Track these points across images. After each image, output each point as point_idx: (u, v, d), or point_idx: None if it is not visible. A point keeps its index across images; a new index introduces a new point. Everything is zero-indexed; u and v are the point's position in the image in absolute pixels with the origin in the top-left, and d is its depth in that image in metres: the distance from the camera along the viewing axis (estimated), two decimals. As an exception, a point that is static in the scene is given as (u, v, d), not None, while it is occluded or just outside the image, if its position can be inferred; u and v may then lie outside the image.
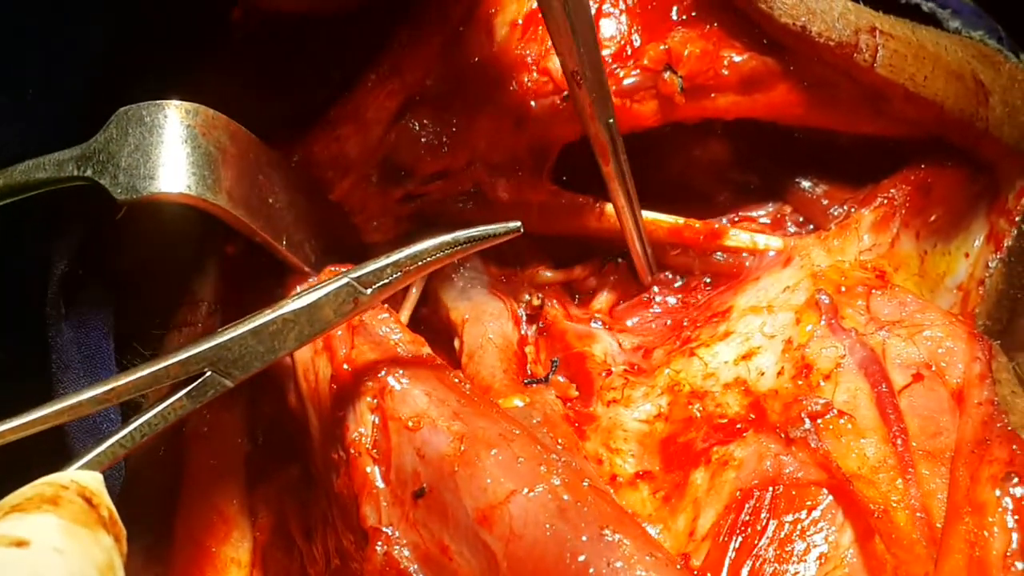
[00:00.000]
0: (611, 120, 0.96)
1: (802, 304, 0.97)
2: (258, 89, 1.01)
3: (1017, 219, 1.10)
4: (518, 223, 0.87)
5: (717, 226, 1.08)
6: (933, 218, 1.07)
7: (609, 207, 1.06)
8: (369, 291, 0.87)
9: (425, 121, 1.03)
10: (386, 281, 0.87)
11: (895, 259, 1.04)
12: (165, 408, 0.85)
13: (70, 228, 0.93)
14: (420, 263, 0.86)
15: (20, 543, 0.66)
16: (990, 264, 1.09)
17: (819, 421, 0.88)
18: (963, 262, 1.09)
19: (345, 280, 0.86)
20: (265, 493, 1.03)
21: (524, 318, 1.05)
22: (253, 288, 1.01)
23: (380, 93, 1.02)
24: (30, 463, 0.79)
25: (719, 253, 1.08)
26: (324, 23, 1.03)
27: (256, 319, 0.85)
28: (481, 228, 0.87)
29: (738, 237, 1.08)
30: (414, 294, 1.05)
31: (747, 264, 1.07)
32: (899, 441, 0.87)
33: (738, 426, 0.91)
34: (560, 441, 0.90)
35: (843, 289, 0.96)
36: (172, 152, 0.89)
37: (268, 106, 1.00)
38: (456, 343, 1.02)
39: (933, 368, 0.91)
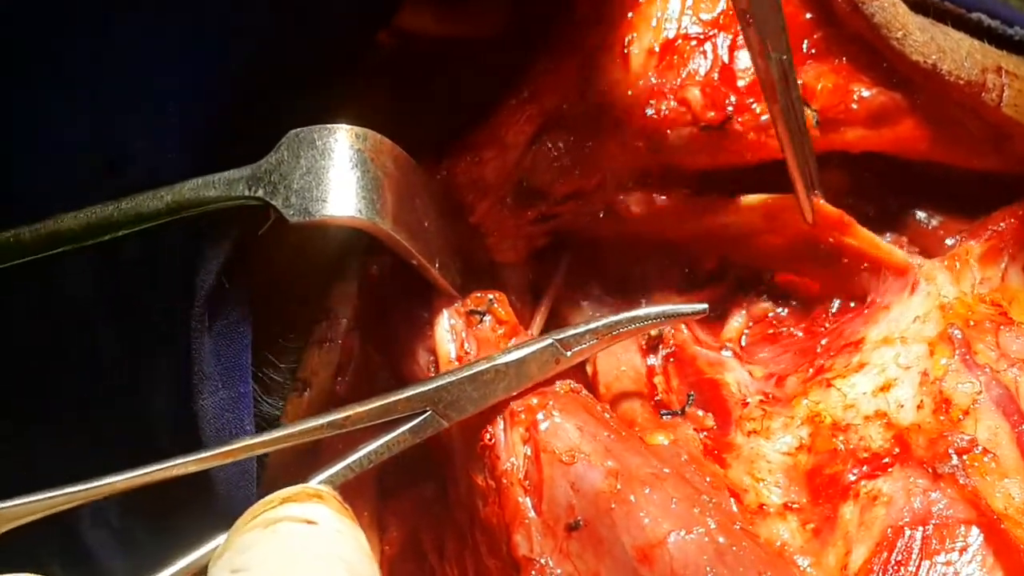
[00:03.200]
0: (784, 56, 0.95)
1: (934, 337, 0.98)
2: (398, 111, 1.01)
3: None
4: (705, 305, 0.97)
5: (846, 219, 1.07)
6: (1040, 252, 1.07)
7: (744, 198, 1.08)
8: (569, 353, 0.94)
9: (560, 144, 1.04)
10: (584, 346, 0.94)
11: (1007, 293, 1.05)
12: (391, 439, 0.91)
13: (218, 242, 0.91)
14: (614, 332, 0.95)
15: (310, 522, 0.73)
16: (1096, 300, 1.10)
17: (965, 457, 0.89)
18: (1070, 293, 1.10)
19: (550, 341, 0.93)
20: (397, 508, 1.04)
21: (650, 347, 1.05)
22: (393, 308, 1.00)
23: (520, 117, 1.03)
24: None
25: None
26: (465, 46, 1.03)
27: (473, 367, 0.92)
28: (672, 307, 0.99)
29: (866, 236, 1.08)
30: (541, 315, 1.05)
31: (872, 283, 1.06)
32: (1043, 484, 0.88)
33: (884, 460, 0.92)
34: (708, 479, 0.91)
35: (972, 323, 0.98)
36: (343, 176, 0.90)
37: (408, 128, 1.00)
38: (588, 369, 1.03)
39: (1067, 408, 0.91)
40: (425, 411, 0.92)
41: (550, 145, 1.04)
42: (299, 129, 0.90)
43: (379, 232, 0.91)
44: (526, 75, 1.03)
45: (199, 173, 0.92)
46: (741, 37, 1.01)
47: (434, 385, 0.92)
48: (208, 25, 0.91)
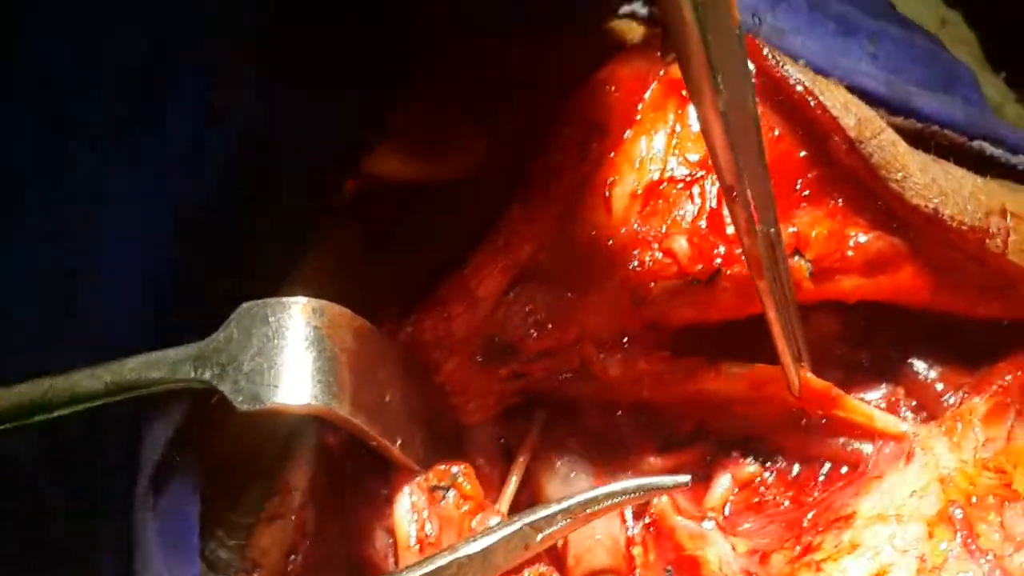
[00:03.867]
0: (772, 229, 0.88)
1: (933, 515, 0.92)
2: (363, 263, 0.93)
3: None
4: (687, 477, 0.89)
5: (834, 392, 1.00)
6: (1048, 405, 1.00)
7: (727, 366, 1.01)
8: (539, 537, 0.86)
9: (535, 297, 0.98)
10: (556, 528, 0.87)
11: (1013, 455, 0.98)
12: None
13: (165, 416, 0.84)
14: (589, 511, 0.87)
15: None
16: (1109, 458, 1.03)
17: (967, 663, 0.82)
18: (1077, 448, 1.03)
19: (519, 525, 0.86)
20: None
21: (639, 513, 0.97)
22: (351, 483, 0.94)
23: (492, 269, 0.96)
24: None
25: (841, 438, 0.99)
26: (436, 190, 0.95)
27: (433, 562, 0.85)
28: (650, 480, 0.90)
29: (858, 408, 1.01)
30: (514, 481, 0.98)
31: (863, 452, 0.99)
32: None
33: (879, 660, 0.84)
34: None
35: (974, 500, 0.91)
36: (297, 358, 0.84)
37: (373, 281, 0.93)
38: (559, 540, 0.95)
39: (1078, 597, 0.84)
40: None
41: (524, 298, 0.97)
42: (251, 303, 0.83)
43: (337, 418, 0.84)
44: (500, 222, 0.94)
45: (151, 339, 0.85)
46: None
47: (392, 587, 0.81)
48: (164, 183, 0.86)
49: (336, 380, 0.82)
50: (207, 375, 0.80)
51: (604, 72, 0.94)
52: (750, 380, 0.99)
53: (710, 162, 0.90)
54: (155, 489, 0.88)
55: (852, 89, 0.99)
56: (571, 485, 1.00)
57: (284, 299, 0.82)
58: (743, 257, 0.91)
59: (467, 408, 1.00)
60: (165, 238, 0.87)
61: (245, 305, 0.82)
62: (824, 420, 1.01)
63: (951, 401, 1.02)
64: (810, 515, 0.98)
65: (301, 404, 0.82)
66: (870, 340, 1.06)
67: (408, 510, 0.90)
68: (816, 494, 1.01)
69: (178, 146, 0.85)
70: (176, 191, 0.86)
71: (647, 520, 0.98)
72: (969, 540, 0.88)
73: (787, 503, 1.01)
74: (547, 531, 0.87)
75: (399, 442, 0.88)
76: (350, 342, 0.84)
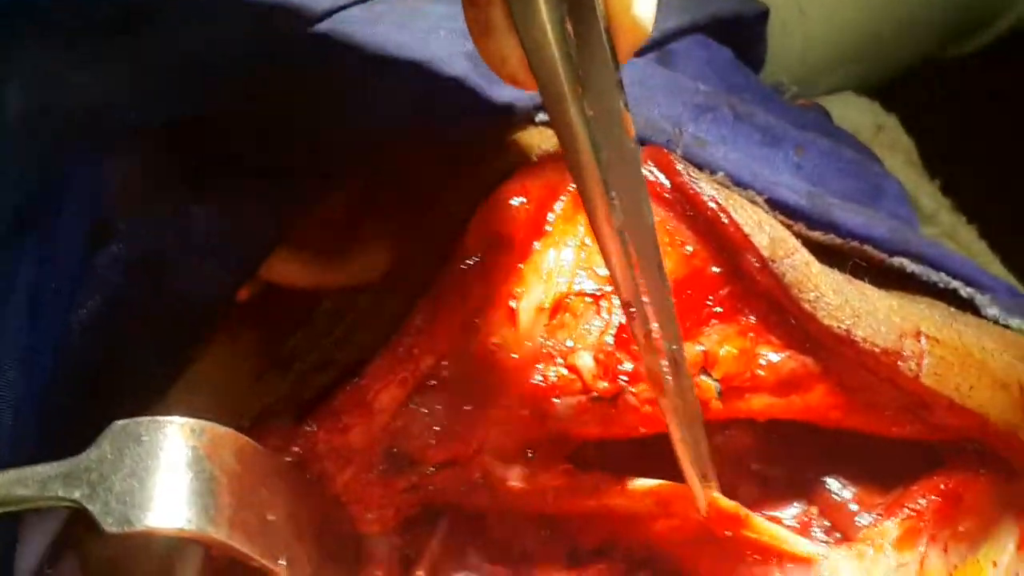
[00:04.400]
0: (675, 346, 0.86)
1: (837, 652, 0.88)
2: (257, 370, 0.91)
3: (1050, 527, 1.02)
4: None
5: (742, 513, 0.97)
6: (962, 529, 0.99)
7: (632, 482, 0.98)
8: None
9: (435, 408, 0.95)
10: None
11: (924, 581, 0.96)
12: None
13: (39, 530, 0.82)
14: None
15: None
16: (1021, 576, 1.01)
17: None
18: (991, 572, 1.01)
19: None
20: None
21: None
22: (241, 583, 0.90)
23: (391, 380, 0.94)
24: None
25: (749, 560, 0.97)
26: (334, 296, 0.93)
27: None
28: None
29: (766, 530, 0.98)
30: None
31: (769, 572, 0.96)
32: None
33: None
34: None
35: (883, 631, 0.88)
36: (171, 479, 0.81)
37: (268, 389, 0.90)
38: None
39: None
40: None
41: (424, 408, 0.94)
42: (124, 422, 0.80)
43: (212, 542, 0.81)
44: (401, 332, 0.91)
45: (24, 455, 0.82)
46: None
47: None
48: (46, 302, 0.83)
49: (213, 502, 0.79)
50: (76, 494, 0.78)
51: (514, 183, 0.92)
52: (656, 497, 0.97)
53: (616, 277, 0.88)
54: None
55: (772, 201, 0.97)
56: (472, 600, 0.96)
57: (159, 418, 0.79)
58: (646, 375, 0.89)
59: (365, 518, 0.97)
60: (44, 357, 0.84)
61: (119, 423, 0.79)
62: (732, 539, 0.96)
63: (864, 522, 1.00)
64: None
65: (173, 528, 0.79)
66: (786, 457, 1.04)
67: (296, 635, 0.86)
68: (720, 627, 0.97)
69: (63, 264, 0.82)
70: (58, 309, 0.83)
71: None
72: None
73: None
74: None
75: (284, 561, 0.84)
76: (231, 463, 0.81)
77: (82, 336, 0.86)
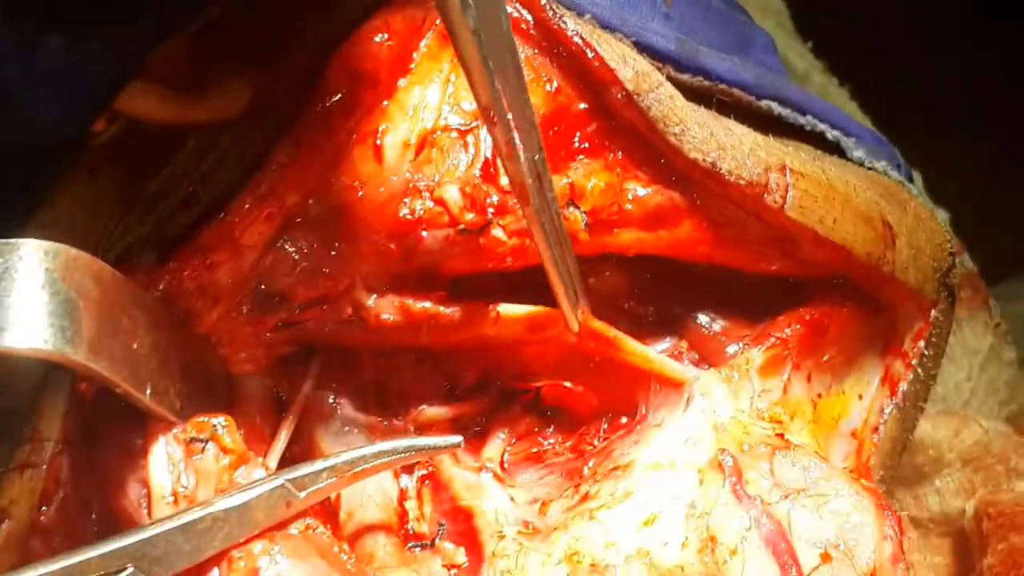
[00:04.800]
0: (536, 156, 0.87)
1: (705, 464, 0.91)
2: (120, 209, 0.89)
3: (913, 362, 1.05)
4: (459, 438, 0.89)
5: (613, 334, 0.99)
6: (826, 358, 1.03)
7: (504, 308, 0.99)
8: (303, 494, 0.84)
9: (303, 245, 0.94)
10: (321, 485, 0.85)
11: (789, 406, 0.99)
12: None
13: None
14: (357, 469, 0.85)
15: None
16: (885, 410, 1.05)
17: (728, 609, 0.81)
18: (856, 405, 1.04)
19: (280, 482, 0.84)
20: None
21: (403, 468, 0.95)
22: (107, 429, 0.89)
23: (257, 216, 0.93)
24: None
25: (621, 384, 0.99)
26: (198, 134, 0.92)
27: (185, 515, 0.82)
28: (421, 440, 0.90)
29: (636, 350, 1.00)
30: (284, 435, 0.95)
31: (641, 395, 0.98)
32: (811, 638, 0.80)
33: (644, 610, 0.82)
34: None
35: (746, 447, 0.91)
36: (27, 300, 0.79)
37: (131, 228, 0.89)
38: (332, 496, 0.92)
39: (841, 547, 0.86)
40: (125, 568, 0.81)
41: (292, 246, 0.94)
42: (-24, 245, 0.76)
43: (71, 363, 0.80)
44: (265, 167, 0.90)
45: None
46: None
47: (136, 539, 0.81)
48: None
49: (71, 324, 0.78)
50: (-67, 318, 0.75)
51: (377, 20, 0.92)
52: (529, 323, 0.98)
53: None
54: None
55: (640, 46, 0.98)
56: (345, 440, 0.98)
57: (12, 240, 0.78)
58: (508, 184, 0.91)
59: (236, 359, 0.97)
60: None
61: (-30, 247, 0.77)
62: (604, 364, 0.99)
63: (732, 352, 1.01)
64: (591, 463, 0.98)
65: (29, 347, 0.77)
66: (656, 294, 1.05)
67: (163, 462, 0.87)
68: (596, 443, 1.00)
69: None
70: None
71: (423, 472, 0.95)
72: (737, 486, 0.88)
73: (568, 453, 1.00)
74: (311, 488, 0.85)
75: (149, 391, 0.84)
76: (88, 286, 0.80)
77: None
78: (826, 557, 0.86)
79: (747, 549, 0.86)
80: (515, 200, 0.91)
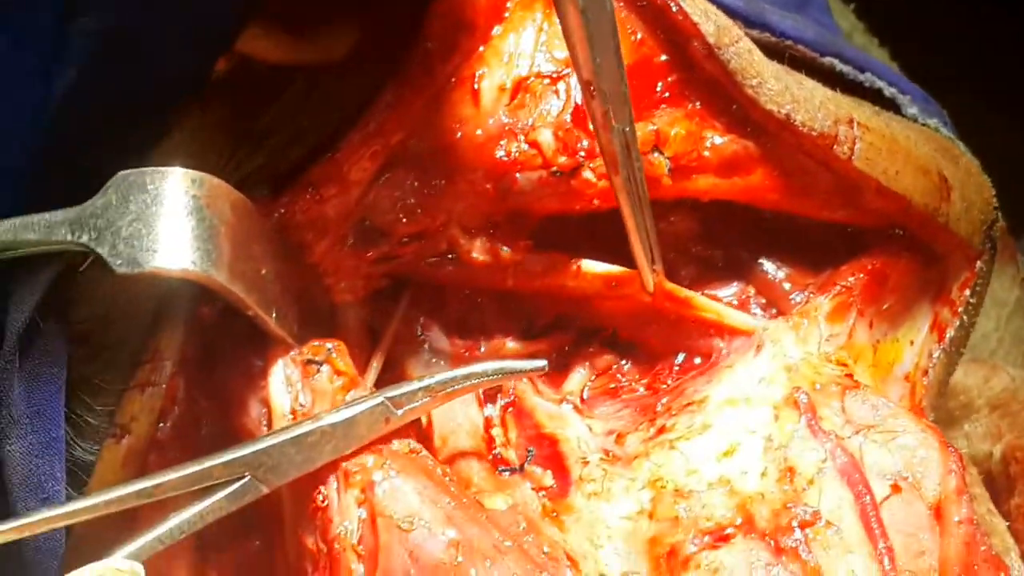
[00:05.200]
0: (627, 128, 0.92)
1: (780, 400, 0.96)
2: (232, 143, 0.94)
3: (960, 310, 1.11)
4: (544, 362, 0.92)
5: (686, 295, 1.05)
6: (886, 306, 1.07)
7: (586, 264, 1.05)
8: (400, 412, 0.90)
9: (404, 182, 0.99)
10: (416, 404, 0.90)
11: (853, 350, 1.04)
12: (205, 508, 0.86)
13: (33, 278, 0.85)
14: (449, 389, 0.90)
15: None
16: (934, 355, 1.10)
17: (808, 531, 0.88)
18: (909, 350, 1.10)
19: (380, 399, 0.89)
20: (219, 561, 0.98)
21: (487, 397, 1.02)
22: (225, 354, 0.95)
23: (363, 153, 0.97)
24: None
25: (694, 333, 1.05)
26: (307, 73, 0.97)
27: (296, 428, 0.87)
28: (509, 363, 0.93)
29: (709, 307, 1.05)
30: (376, 362, 1.00)
31: (716, 344, 1.04)
32: (886, 560, 0.87)
33: (727, 531, 0.90)
34: (546, 548, 0.90)
35: (818, 387, 0.96)
36: (175, 224, 0.84)
37: (242, 162, 0.94)
38: (423, 419, 0.98)
39: (909, 479, 0.91)
40: (243, 476, 0.87)
41: (394, 183, 0.99)
42: (128, 171, 0.83)
43: (215, 285, 0.85)
44: (372, 108, 0.96)
45: (20, 211, 0.85)
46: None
47: (253, 449, 0.87)
48: (29, 51, 0.82)
49: (214, 248, 0.83)
50: (84, 238, 0.81)
51: (475, -31, 0.95)
52: (606, 280, 1.03)
53: (577, 60, 0.93)
54: (21, 353, 0.87)
55: (712, 2, 1.02)
56: (432, 369, 1.03)
57: (162, 168, 0.83)
58: (601, 154, 0.94)
59: (337, 288, 1.02)
60: (21, 132, 0.86)
61: (122, 173, 0.82)
62: (678, 318, 1.04)
63: (797, 300, 1.06)
64: (664, 400, 1.02)
65: (179, 268, 0.83)
66: (725, 241, 1.10)
67: (283, 382, 0.92)
68: (670, 382, 1.05)
69: (36, 39, 0.84)
70: (34, 83, 0.85)
71: (506, 401, 1.00)
72: (812, 422, 0.93)
73: (642, 390, 1.05)
74: (408, 407, 0.90)
75: (274, 315, 0.89)
76: (227, 214, 0.85)
77: (59, 111, 0.87)
78: (896, 488, 0.90)
79: (823, 479, 0.91)
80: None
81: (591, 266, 1.04)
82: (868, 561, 0.87)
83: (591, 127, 0.95)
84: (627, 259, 1.02)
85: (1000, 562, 0.87)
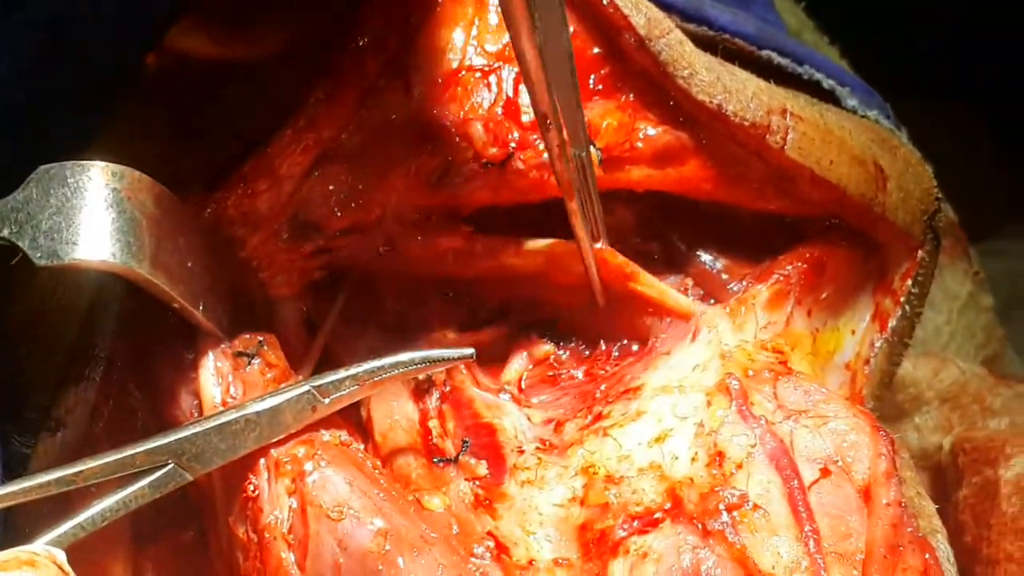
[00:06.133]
0: (583, 154, 0.94)
1: (712, 387, 0.97)
2: (171, 136, 0.95)
3: (902, 299, 1.12)
4: (471, 350, 0.93)
5: (629, 269, 1.05)
6: (824, 295, 1.08)
7: (528, 242, 1.06)
8: (327, 400, 0.90)
9: (338, 177, 1.00)
10: (343, 392, 0.91)
11: (790, 338, 1.05)
12: (127, 495, 0.87)
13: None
14: (376, 378, 0.91)
15: None
16: (876, 344, 1.11)
17: (735, 513, 0.89)
18: (850, 339, 1.11)
19: (306, 388, 0.90)
20: (155, 553, 0.99)
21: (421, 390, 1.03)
22: (157, 347, 0.96)
23: (295, 148, 0.98)
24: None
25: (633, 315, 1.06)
26: (241, 70, 0.98)
27: (220, 417, 0.88)
28: (437, 352, 0.93)
29: (651, 283, 1.06)
30: (314, 353, 1.02)
31: (654, 326, 1.04)
32: (811, 542, 0.88)
33: (655, 515, 0.90)
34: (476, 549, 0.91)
35: (751, 373, 0.97)
36: (96, 217, 0.85)
37: (180, 154, 0.95)
38: (363, 412, 0.99)
39: (839, 463, 0.91)
40: (167, 464, 0.88)
41: (327, 177, 1.00)
42: (49, 165, 0.84)
43: (135, 276, 0.86)
44: (303, 104, 0.96)
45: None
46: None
47: (176, 436, 0.88)
48: None
49: (135, 240, 0.84)
50: (5, 232, 0.82)
51: (406, -35, 0.97)
52: (548, 255, 1.04)
53: (507, 53, 0.95)
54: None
55: (645, -3, 1.03)
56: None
57: (83, 161, 0.84)
58: (556, 181, 0.97)
59: (273, 283, 1.03)
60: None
61: (43, 167, 0.83)
62: (618, 298, 1.06)
63: (735, 290, 1.07)
64: (602, 387, 1.03)
65: (99, 260, 0.84)
66: (661, 233, 1.11)
67: (213, 374, 0.93)
68: (608, 368, 1.06)
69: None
70: None
71: (443, 391, 1.01)
72: (743, 408, 0.94)
73: (581, 376, 1.06)
74: (334, 395, 0.91)
75: (202, 307, 0.90)
76: (150, 206, 0.86)
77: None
78: (825, 472, 0.91)
79: (752, 464, 0.91)
80: (535, 136, 0.97)
81: (532, 243, 1.05)
82: (794, 543, 0.87)
83: (526, 120, 0.99)
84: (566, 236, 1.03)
85: (926, 543, 0.88)
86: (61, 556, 0.81)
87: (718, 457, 0.92)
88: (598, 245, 1.01)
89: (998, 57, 1.80)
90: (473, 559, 0.86)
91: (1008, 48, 1.77)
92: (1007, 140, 1.85)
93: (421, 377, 1.03)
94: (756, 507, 0.89)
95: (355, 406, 0.99)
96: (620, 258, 1.03)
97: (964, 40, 1.81)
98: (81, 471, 0.86)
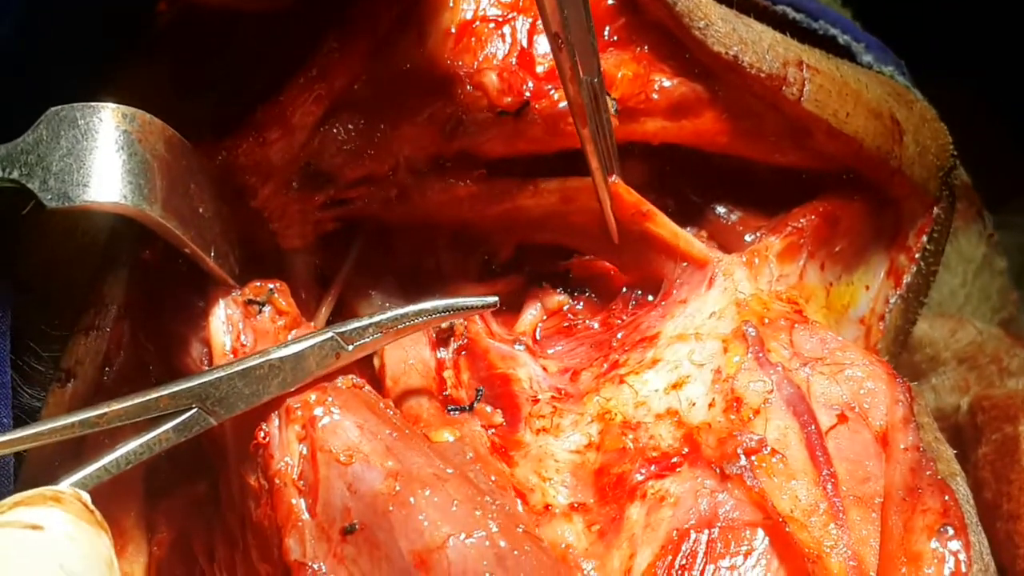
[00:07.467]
0: (595, 80, 0.93)
1: (729, 334, 0.96)
2: (180, 87, 0.95)
3: (916, 256, 1.11)
4: (495, 298, 0.92)
5: (645, 207, 1.03)
6: (837, 249, 1.08)
7: (543, 182, 1.05)
8: (351, 348, 0.90)
9: (350, 126, 0.99)
10: (367, 340, 0.91)
11: (804, 291, 1.04)
12: (152, 439, 0.86)
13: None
14: (400, 326, 0.91)
15: (35, 527, 0.71)
16: (890, 300, 1.10)
17: (753, 458, 0.88)
18: (864, 295, 1.10)
19: (330, 335, 0.89)
20: (167, 507, 0.98)
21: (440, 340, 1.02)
22: (167, 296, 0.95)
23: (307, 97, 0.98)
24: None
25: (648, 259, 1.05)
26: (252, 20, 0.97)
27: (244, 362, 0.87)
28: (460, 300, 0.93)
29: (666, 223, 1.05)
30: (328, 304, 1.01)
31: (669, 269, 1.04)
32: (829, 485, 0.87)
33: (673, 460, 0.90)
34: (493, 478, 0.89)
35: (767, 321, 0.96)
36: (107, 159, 0.84)
37: (190, 105, 0.95)
38: (376, 361, 0.98)
39: (856, 409, 0.91)
40: (191, 408, 0.87)
41: (339, 127, 0.99)
42: (60, 107, 0.83)
43: (146, 219, 0.85)
44: (316, 53, 0.96)
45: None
46: (540, 23, 0.95)
47: (201, 380, 0.87)
48: None
49: (147, 182, 0.83)
50: (15, 174, 0.81)
51: (419, -84, 0.96)
52: (563, 193, 1.04)
53: (521, 4, 0.94)
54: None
55: (663, -50, 1.02)
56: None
57: (94, 103, 0.83)
58: (568, 105, 0.96)
59: (285, 234, 1.02)
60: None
61: (53, 109, 0.82)
62: (633, 241, 1.05)
63: (749, 240, 1.06)
64: (618, 336, 1.02)
65: (111, 202, 0.83)
66: (676, 187, 1.11)
67: (223, 321, 0.92)
68: (624, 317, 1.05)
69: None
70: None
71: (459, 343, 1.00)
72: (760, 354, 0.93)
73: (596, 326, 1.05)
74: (358, 342, 0.90)
75: (213, 254, 0.89)
76: (161, 150, 0.85)
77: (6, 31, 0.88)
78: (842, 418, 0.91)
79: (770, 409, 0.91)
80: (549, 86, 0.96)
81: (546, 182, 1.05)
82: (811, 487, 0.87)
83: (540, 70, 0.98)
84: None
85: (945, 485, 0.87)
86: (86, 496, 0.81)
87: (735, 403, 0.91)
88: (612, 179, 0.98)
89: (1007, 33, 1.79)
90: (487, 497, 0.84)
91: (1018, 24, 1.75)
92: (1016, 115, 1.84)
93: (444, 326, 1.01)
94: (774, 452, 0.87)
95: (368, 360, 0.96)
96: (635, 195, 1.01)
97: (974, 15, 1.78)
98: (105, 412, 0.85)
